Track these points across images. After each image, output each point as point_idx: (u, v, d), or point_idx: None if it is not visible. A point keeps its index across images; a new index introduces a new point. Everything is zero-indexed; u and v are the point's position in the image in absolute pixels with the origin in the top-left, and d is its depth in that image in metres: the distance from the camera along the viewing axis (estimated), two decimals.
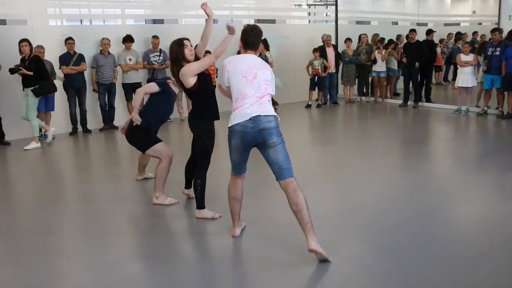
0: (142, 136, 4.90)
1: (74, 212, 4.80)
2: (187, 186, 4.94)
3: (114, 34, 9.31)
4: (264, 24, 12.40)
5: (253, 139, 3.46)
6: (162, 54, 9.54)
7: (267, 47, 10.21)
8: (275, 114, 3.51)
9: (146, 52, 9.51)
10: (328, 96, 11.57)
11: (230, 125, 3.54)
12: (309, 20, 14.37)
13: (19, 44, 7.60)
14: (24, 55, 7.60)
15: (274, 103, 10.86)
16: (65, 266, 3.57)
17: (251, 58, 3.66)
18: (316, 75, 11.03)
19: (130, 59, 9.26)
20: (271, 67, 5.08)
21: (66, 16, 10.04)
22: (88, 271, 3.50)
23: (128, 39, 9.16)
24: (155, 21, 10.85)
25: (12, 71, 7.53)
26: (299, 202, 3.35)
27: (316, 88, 11.19)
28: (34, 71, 7.54)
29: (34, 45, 8.10)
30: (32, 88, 7.59)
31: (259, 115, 3.44)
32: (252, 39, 3.69)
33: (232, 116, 3.55)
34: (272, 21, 12.87)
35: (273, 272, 3.34)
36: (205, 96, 4.23)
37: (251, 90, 3.51)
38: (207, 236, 4.12)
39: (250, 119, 3.44)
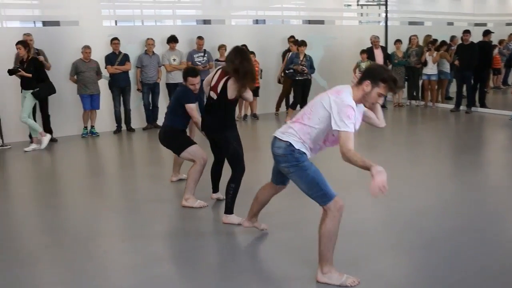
0: (177, 137, 4.88)
1: (107, 210, 4.84)
2: (214, 190, 4.89)
3: (159, 34, 9.41)
4: (312, 25, 12.26)
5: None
6: (206, 55, 9.54)
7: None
8: (290, 141, 3.21)
9: (190, 53, 9.54)
10: None
11: None
12: (359, 21, 14.01)
13: (16, 46, 7.57)
14: (21, 57, 7.63)
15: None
16: (91, 266, 3.57)
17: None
18: None
19: (174, 60, 9.31)
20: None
21: (118, 17, 10.28)
22: (112, 272, 3.49)
23: (172, 40, 9.21)
24: (205, 22, 10.89)
25: (11, 72, 7.53)
26: (321, 230, 3.15)
27: None
28: (32, 73, 7.54)
29: (82, 46, 8.36)
30: (32, 91, 7.58)
31: (276, 137, 3.31)
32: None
33: None
34: (321, 22, 12.67)
35: (292, 284, 3.19)
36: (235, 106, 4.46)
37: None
38: (231, 241, 4.01)
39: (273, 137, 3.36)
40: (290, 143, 3.26)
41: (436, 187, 5.34)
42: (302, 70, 9.07)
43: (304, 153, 3.23)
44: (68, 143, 8.22)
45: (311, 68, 9.31)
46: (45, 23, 9.46)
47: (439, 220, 4.30)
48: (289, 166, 3.26)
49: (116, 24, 10.41)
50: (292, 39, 10.12)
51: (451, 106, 10.56)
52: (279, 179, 3.63)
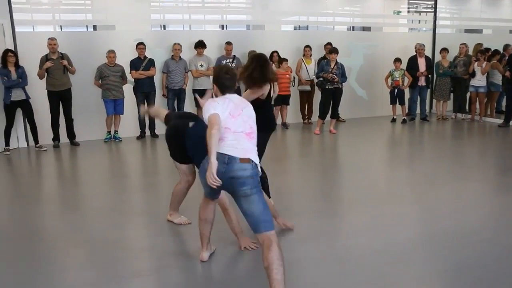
0: (179, 148, 4.52)
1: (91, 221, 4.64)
2: None
3: (187, 39, 9.25)
4: (355, 32, 11.69)
5: (223, 183, 2.92)
6: (235, 61, 9.27)
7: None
8: (253, 159, 2.98)
9: (219, 58, 9.31)
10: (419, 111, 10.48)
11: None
12: (409, 28, 13.24)
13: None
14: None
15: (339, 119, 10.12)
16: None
17: (236, 97, 3.28)
18: (396, 88, 10.01)
19: (201, 65, 9.10)
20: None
21: (152, 22, 10.25)
22: None
23: (200, 45, 9.01)
24: (251, 27, 10.60)
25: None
26: (269, 257, 2.79)
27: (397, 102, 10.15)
28: None
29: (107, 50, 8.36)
30: None
31: (235, 158, 2.94)
32: (229, 82, 3.28)
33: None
34: (368, 29, 12.08)
35: None
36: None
37: (234, 125, 3.06)
38: (198, 261, 3.65)
39: (225, 157, 2.95)
40: (255, 163, 2.94)
41: (475, 208, 4.84)
42: (332, 78, 8.58)
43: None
44: (90, 148, 8.18)
45: (343, 76, 8.79)
46: (94, 27, 9.65)
47: (473, 242, 3.92)
48: (252, 188, 2.90)
49: (152, 29, 10.39)
50: (328, 46, 9.64)
51: (500, 121, 9.65)
52: (216, 195, 3.36)
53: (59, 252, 3.88)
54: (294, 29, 11.93)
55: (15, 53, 7.73)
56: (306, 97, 9.94)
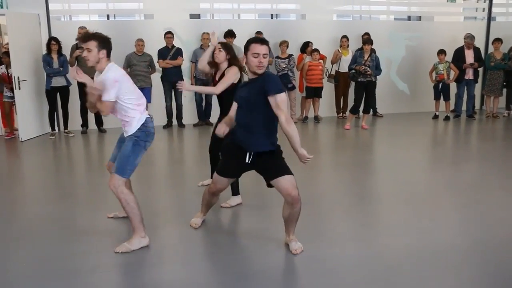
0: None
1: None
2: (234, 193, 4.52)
3: (219, 29, 9.06)
4: (398, 22, 11.00)
5: None
6: None
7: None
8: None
9: None
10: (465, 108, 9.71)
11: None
12: (464, 17, 12.31)
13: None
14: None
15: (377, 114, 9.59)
16: None
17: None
18: (440, 82, 9.30)
19: None
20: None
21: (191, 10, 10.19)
22: None
23: (229, 34, 8.81)
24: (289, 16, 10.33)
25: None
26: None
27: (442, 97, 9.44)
28: None
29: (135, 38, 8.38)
30: None
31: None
32: None
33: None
34: (417, 18, 11.37)
35: None
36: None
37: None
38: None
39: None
40: None
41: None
42: (365, 71, 8.10)
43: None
44: (116, 135, 8.18)
45: (377, 69, 8.27)
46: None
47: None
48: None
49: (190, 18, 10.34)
50: (366, 36, 9.12)
51: None
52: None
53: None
54: (336, 18, 11.46)
55: (58, 42, 7.95)
56: (341, 90, 9.50)
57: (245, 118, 3.31)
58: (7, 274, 3.25)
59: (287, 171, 3.33)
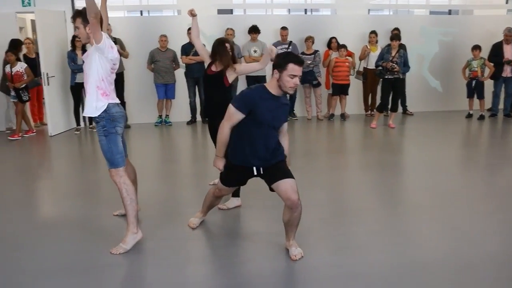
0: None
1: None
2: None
3: (239, 24, 8.97)
4: (432, 16, 10.54)
5: None
6: (291, 47, 8.83)
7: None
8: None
9: (274, 44, 8.89)
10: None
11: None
12: (507, 10, 11.67)
13: None
14: None
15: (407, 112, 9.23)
16: None
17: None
18: (473, 79, 8.85)
19: (255, 51, 8.80)
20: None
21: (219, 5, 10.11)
22: None
23: (253, 30, 8.70)
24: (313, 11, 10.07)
25: None
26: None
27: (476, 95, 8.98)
28: None
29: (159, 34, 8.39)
30: None
31: None
32: None
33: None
34: (454, 12, 10.91)
35: None
36: None
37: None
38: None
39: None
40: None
41: None
42: (392, 68, 7.79)
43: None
44: (140, 131, 8.33)
45: (405, 66, 7.94)
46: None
47: None
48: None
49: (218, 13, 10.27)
50: (395, 32, 8.79)
51: None
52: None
53: None
54: (369, 13, 11.10)
55: None
56: (369, 87, 9.21)
57: (268, 135, 3.28)
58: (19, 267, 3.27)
59: (288, 175, 3.24)
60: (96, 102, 3.40)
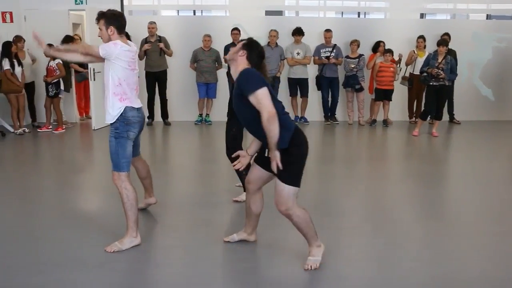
0: None
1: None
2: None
3: (286, 26, 8.92)
4: (488, 21, 10.06)
5: None
6: (335, 50, 8.70)
7: None
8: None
9: (317, 47, 8.82)
10: None
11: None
12: None
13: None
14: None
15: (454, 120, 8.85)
16: None
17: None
18: None
19: (298, 53, 8.74)
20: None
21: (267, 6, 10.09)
22: None
23: (297, 32, 8.65)
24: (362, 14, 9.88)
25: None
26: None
27: None
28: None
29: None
30: None
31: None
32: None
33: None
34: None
35: None
36: None
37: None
38: None
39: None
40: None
41: None
42: (438, 74, 7.50)
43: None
44: (180, 128, 8.48)
45: (452, 73, 7.63)
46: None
47: None
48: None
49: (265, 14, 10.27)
50: (445, 37, 8.46)
51: None
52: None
53: None
54: (421, 17, 10.75)
55: (128, 36, 8.25)
56: (415, 93, 8.92)
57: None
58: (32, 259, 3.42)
59: (282, 178, 3.00)
60: (113, 108, 3.43)
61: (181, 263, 3.38)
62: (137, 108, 3.52)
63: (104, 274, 3.20)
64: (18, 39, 8.01)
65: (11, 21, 8.43)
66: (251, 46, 3.14)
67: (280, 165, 2.87)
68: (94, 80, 8.13)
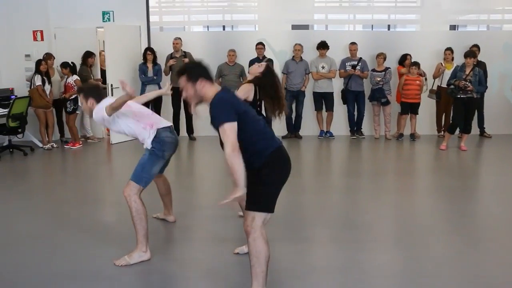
0: None
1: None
2: None
3: (313, 40, 8.88)
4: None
5: None
6: (360, 64, 8.61)
7: None
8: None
9: (343, 60, 8.75)
10: None
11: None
12: None
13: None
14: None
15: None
16: None
17: None
18: None
19: (323, 67, 8.68)
20: None
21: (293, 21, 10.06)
22: None
23: (322, 46, 8.60)
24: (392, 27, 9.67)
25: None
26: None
27: None
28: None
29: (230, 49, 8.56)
30: None
31: None
32: None
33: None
34: None
35: None
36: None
37: None
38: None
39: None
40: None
41: None
42: (465, 86, 7.32)
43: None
44: (206, 143, 8.48)
45: (480, 85, 7.43)
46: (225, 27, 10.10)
47: None
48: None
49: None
50: (474, 48, 8.28)
51: None
52: None
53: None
54: (451, 29, 10.53)
55: (153, 52, 8.46)
56: (443, 106, 8.70)
57: None
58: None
59: (248, 202, 2.84)
60: (149, 136, 3.60)
61: (194, 276, 3.37)
62: (168, 126, 3.69)
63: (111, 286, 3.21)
64: (48, 56, 8.25)
65: (42, 39, 8.69)
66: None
67: (227, 201, 2.66)
68: (112, 95, 8.31)
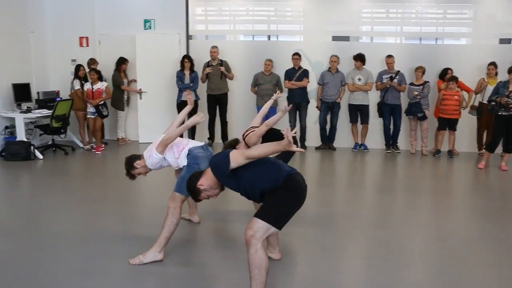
0: None
1: None
2: None
3: (353, 51, 8.80)
4: None
5: None
6: (398, 77, 8.46)
7: None
8: None
9: (380, 73, 8.63)
10: None
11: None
12: None
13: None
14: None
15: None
16: None
17: None
18: None
19: (359, 79, 8.59)
20: None
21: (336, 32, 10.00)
22: None
23: (358, 58, 8.53)
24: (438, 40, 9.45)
25: None
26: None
27: None
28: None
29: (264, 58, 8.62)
30: None
31: None
32: None
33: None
34: None
35: None
36: None
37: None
38: None
39: None
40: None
41: None
42: (507, 103, 7.04)
43: None
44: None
45: None
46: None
47: None
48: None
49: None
50: None
51: None
52: None
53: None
54: (501, 42, 10.12)
55: (190, 59, 8.65)
56: (484, 123, 8.39)
57: None
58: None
59: (259, 213, 2.88)
60: (184, 157, 3.81)
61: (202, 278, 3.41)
62: (200, 145, 3.90)
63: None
64: (92, 61, 8.62)
65: (87, 45, 9.09)
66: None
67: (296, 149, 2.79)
68: (141, 99, 8.71)
